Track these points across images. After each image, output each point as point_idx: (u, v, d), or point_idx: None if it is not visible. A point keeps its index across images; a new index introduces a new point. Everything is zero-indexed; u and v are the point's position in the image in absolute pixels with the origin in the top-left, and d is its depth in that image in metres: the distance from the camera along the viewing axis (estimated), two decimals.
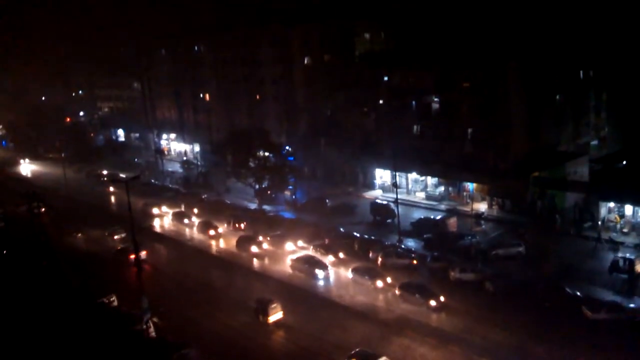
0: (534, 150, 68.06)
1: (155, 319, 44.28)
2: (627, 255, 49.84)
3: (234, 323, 45.94)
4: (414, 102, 76.34)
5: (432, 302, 45.63)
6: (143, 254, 57.54)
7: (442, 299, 45.80)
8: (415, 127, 76.60)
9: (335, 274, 54.06)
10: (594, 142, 78.08)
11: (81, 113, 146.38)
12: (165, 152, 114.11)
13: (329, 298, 49.69)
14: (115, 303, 48.92)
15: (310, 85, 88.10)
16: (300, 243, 60.46)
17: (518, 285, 47.05)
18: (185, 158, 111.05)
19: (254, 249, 60.06)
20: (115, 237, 67.85)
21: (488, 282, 48.32)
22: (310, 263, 54.05)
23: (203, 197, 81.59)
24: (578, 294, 44.51)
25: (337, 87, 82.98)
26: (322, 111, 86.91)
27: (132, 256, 52.36)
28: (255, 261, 58.93)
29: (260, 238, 61.91)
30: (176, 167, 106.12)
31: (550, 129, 70.77)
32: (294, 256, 56.54)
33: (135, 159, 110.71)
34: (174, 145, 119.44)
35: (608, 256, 51.64)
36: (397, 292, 47.99)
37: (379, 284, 49.70)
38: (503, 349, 39.38)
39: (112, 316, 45.50)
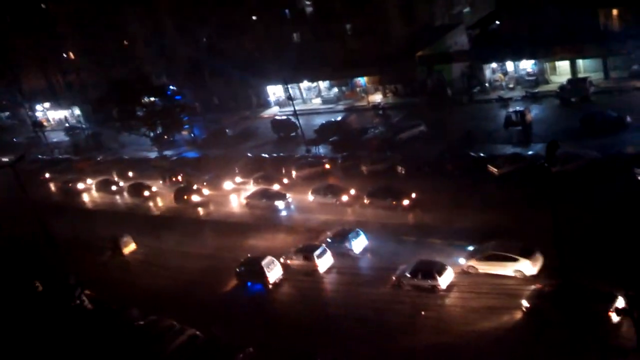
0: (413, 31, 69.18)
1: (87, 292, 43.02)
2: (517, 108, 52.84)
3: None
4: (287, 11, 74.84)
5: (405, 202, 43.61)
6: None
7: (413, 195, 43.74)
8: (294, 35, 75.57)
9: (293, 200, 50.37)
10: (467, 10, 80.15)
11: None
12: (44, 124, 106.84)
13: (298, 225, 46.08)
14: (40, 288, 46.93)
15: (176, 16, 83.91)
16: (238, 179, 56.94)
17: (427, 162, 49.03)
18: (67, 124, 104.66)
19: (195, 197, 55.57)
20: None
21: (398, 166, 50.08)
22: (268, 196, 50.75)
23: (98, 159, 78.01)
24: (482, 155, 47.06)
25: (206, 12, 79.64)
26: (197, 41, 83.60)
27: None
28: (201, 210, 54.73)
29: (196, 186, 56.87)
30: (61, 136, 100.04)
31: (424, 7, 71.77)
32: (247, 194, 52.91)
33: (14, 139, 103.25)
34: (51, 114, 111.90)
35: (501, 114, 54.64)
36: (365, 201, 45.74)
37: (344, 198, 47.03)
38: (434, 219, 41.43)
39: (42, 300, 43.80)
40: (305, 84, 75.98)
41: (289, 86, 70.45)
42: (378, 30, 68.59)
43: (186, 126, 76.63)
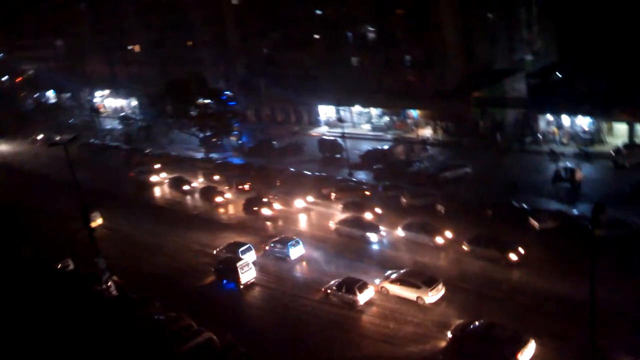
0: (472, 70, 68.88)
1: (115, 278, 43.79)
2: (568, 164, 51.86)
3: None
4: (350, 34, 75.61)
5: (513, 256, 39.25)
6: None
7: (521, 250, 39.68)
8: (353, 59, 76.17)
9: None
10: (529, 57, 79.42)
11: (4, 78, 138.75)
12: (101, 110, 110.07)
13: (386, 262, 42.79)
14: (72, 267, 48.08)
15: (242, 25, 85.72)
16: (309, 199, 54.85)
17: (467, 205, 48.40)
18: (122, 114, 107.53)
19: (266, 211, 53.60)
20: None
21: (439, 204, 49.63)
22: (360, 226, 46.86)
23: (146, 151, 79.77)
24: (525, 206, 46.20)
25: (271, 25, 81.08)
26: (258, 51, 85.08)
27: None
28: (270, 225, 52.33)
29: (266, 199, 55.24)
30: (114, 124, 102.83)
31: (485, 48, 71.49)
32: (339, 218, 49.54)
33: (70, 120, 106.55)
34: (109, 101, 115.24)
35: (550, 167, 53.69)
36: (464, 247, 41.84)
37: (439, 240, 43.35)
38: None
39: (70, 280, 44.78)
40: (357, 108, 76.28)
41: (341, 108, 70.85)
42: (437, 64, 68.56)
43: (235, 132, 77.86)
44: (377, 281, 38.71)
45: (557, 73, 68.53)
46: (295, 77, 79.98)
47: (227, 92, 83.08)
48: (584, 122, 59.93)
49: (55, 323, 38.53)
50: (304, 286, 41.58)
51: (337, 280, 39.26)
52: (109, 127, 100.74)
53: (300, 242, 45.54)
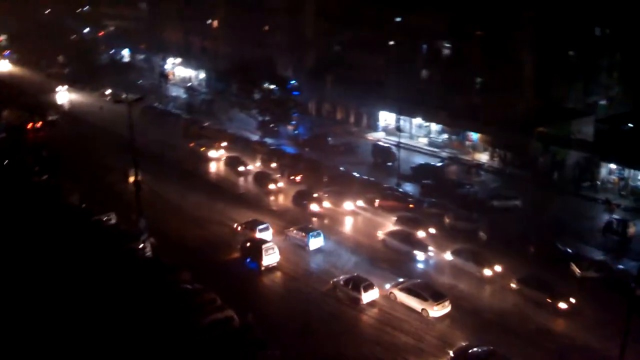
0: (541, 105, 67.40)
1: (152, 240, 44.90)
2: (622, 217, 50.29)
3: None
4: (425, 46, 75.06)
5: (563, 305, 38.06)
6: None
7: (572, 300, 38.25)
8: (424, 71, 75.61)
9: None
10: (602, 102, 77.17)
11: (86, 30, 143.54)
12: (170, 77, 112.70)
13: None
14: (113, 221, 49.51)
15: (320, 19, 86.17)
16: (359, 203, 54.66)
17: (510, 237, 47.57)
18: (189, 84, 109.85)
19: (314, 206, 53.64)
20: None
21: (481, 231, 48.88)
22: (409, 242, 46.03)
23: (205, 124, 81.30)
24: (569, 250, 45.11)
25: (348, 24, 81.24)
26: (331, 47, 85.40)
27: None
28: (315, 221, 52.17)
29: (316, 194, 55.34)
30: (180, 92, 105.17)
31: (560, 85, 69.83)
32: (387, 230, 48.97)
33: (139, 81, 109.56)
34: (178, 70, 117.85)
35: (602, 217, 52.17)
36: (512, 285, 40.69)
37: (487, 272, 42.41)
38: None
39: (109, 233, 46.08)
40: (417, 120, 75.77)
41: (401, 117, 70.54)
42: (507, 92, 67.36)
43: (293, 122, 78.52)
44: (387, 286, 40.03)
45: (629, 123, 66.26)
46: (362, 79, 79.88)
47: (293, 81, 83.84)
48: None
49: (86, 273, 39.75)
50: (316, 278, 43.03)
51: (346, 275, 40.92)
52: (174, 94, 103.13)
53: (322, 234, 47.03)
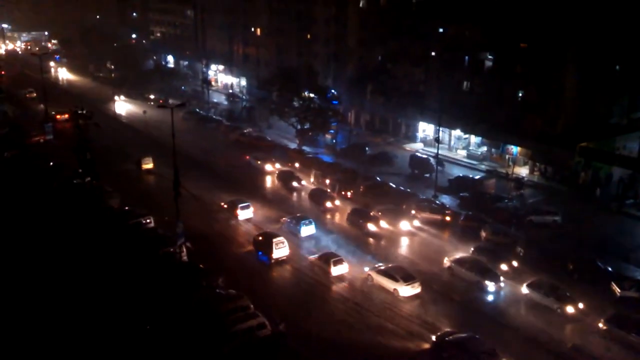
0: (585, 119, 66.06)
1: (189, 244, 45.61)
2: None
3: None
4: (466, 58, 74.43)
5: None
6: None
7: None
8: (465, 83, 74.98)
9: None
10: None
11: (133, 35, 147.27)
12: (212, 83, 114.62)
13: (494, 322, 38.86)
14: (152, 224, 50.49)
15: (363, 29, 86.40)
16: (416, 223, 53.18)
17: (549, 253, 46.72)
18: (231, 91, 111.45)
19: (372, 227, 51.78)
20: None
21: (519, 246, 48.07)
22: (480, 271, 43.08)
23: (245, 131, 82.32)
24: (609, 269, 44.05)
25: (391, 34, 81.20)
26: (372, 57, 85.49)
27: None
28: (372, 242, 50.49)
29: (373, 213, 53.43)
30: (221, 99, 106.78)
31: (605, 100, 68.32)
32: (455, 257, 45.74)
33: (183, 87, 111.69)
34: (221, 77, 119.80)
35: None
36: (601, 325, 37.21)
37: (570, 309, 39.19)
38: None
39: (145, 236, 47.04)
40: (457, 132, 75.10)
41: (440, 128, 70.04)
42: (549, 107, 66.28)
43: (331, 131, 78.77)
44: (367, 269, 43.97)
45: None
46: (402, 90, 79.66)
47: (333, 91, 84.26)
48: None
49: (123, 276, 40.71)
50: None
51: (321, 252, 46.27)
52: (215, 100, 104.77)
53: (313, 223, 51.01)
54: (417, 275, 42.80)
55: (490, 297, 41.97)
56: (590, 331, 37.40)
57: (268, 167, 67.93)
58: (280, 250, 45.79)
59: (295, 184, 62.57)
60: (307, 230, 50.54)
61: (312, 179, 64.17)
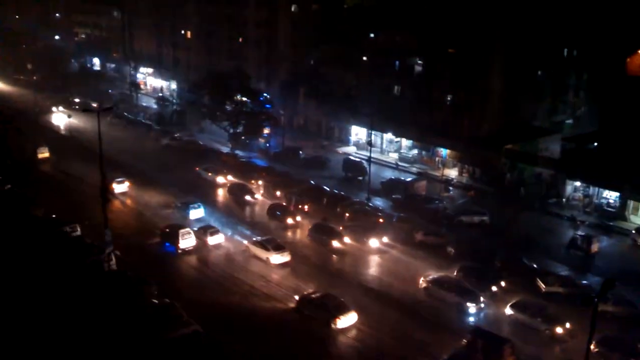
0: (509, 122, 68.64)
1: (117, 253, 44.17)
2: (586, 233, 51.24)
3: None
4: (397, 62, 75.88)
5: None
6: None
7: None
8: (396, 87, 76.37)
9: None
10: (569, 121, 79.01)
11: (56, 37, 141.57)
12: (141, 86, 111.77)
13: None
14: (78, 233, 48.60)
15: (294, 33, 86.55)
16: (385, 239, 50.17)
17: (477, 252, 48.00)
18: (160, 94, 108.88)
19: (336, 243, 49.42)
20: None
21: (450, 246, 49.29)
22: (459, 291, 41.18)
23: (176, 135, 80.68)
24: (535, 266, 45.74)
25: (322, 39, 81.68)
26: (304, 61, 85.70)
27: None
28: (336, 259, 48.37)
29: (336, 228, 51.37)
30: (151, 103, 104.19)
31: (528, 104, 71.25)
32: (429, 277, 43.33)
33: (109, 90, 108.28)
34: (150, 80, 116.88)
35: (568, 233, 53.05)
36: (592, 347, 32.06)
37: (559, 330, 37.41)
38: None
39: (72, 245, 45.19)
40: (388, 136, 76.34)
41: (373, 132, 70.97)
42: (476, 110, 68.44)
43: (265, 134, 78.34)
44: (245, 242, 49.15)
45: (594, 142, 67.90)
46: (334, 93, 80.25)
47: (266, 94, 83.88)
48: (610, 196, 59.18)
49: (50, 286, 38.87)
50: None
51: (200, 226, 50.61)
52: (144, 104, 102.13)
53: (202, 206, 55.33)
54: None
55: (470, 318, 40.26)
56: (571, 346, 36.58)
57: (220, 179, 64.39)
58: (187, 240, 48.03)
59: (248, 197, 59.66)
60: (196, 213, 54.71)
61: (261, 191, 61.69)
